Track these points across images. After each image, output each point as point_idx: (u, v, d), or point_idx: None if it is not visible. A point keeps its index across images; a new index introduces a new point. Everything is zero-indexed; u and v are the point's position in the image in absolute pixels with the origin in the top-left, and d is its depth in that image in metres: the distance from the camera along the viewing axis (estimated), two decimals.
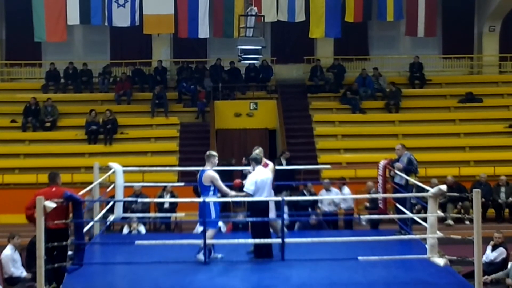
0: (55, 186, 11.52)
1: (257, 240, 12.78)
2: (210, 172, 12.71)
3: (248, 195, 12.76)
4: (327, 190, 20.32)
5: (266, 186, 12.90)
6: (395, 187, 15.01)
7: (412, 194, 14.06)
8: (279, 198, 13.23)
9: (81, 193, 12.25)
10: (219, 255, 12.83)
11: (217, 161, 13.00)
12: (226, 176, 14.24)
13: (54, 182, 11.59)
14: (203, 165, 13.02)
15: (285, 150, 23.58)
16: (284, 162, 22.27)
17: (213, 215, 12.60)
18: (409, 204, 14.74)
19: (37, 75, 29.77)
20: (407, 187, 14.52)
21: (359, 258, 12.15)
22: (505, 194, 22.06)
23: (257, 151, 13.32)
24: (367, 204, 19.73)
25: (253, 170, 13.07)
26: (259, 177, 12.86)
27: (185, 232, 19.71)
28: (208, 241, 12.49)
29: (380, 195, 15.51)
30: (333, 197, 20.12)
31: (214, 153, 13.09)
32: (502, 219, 21.95)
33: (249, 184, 12.79)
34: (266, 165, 13.32)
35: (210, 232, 12.60)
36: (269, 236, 13.01)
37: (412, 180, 14.28)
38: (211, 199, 12.60)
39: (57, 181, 11.64)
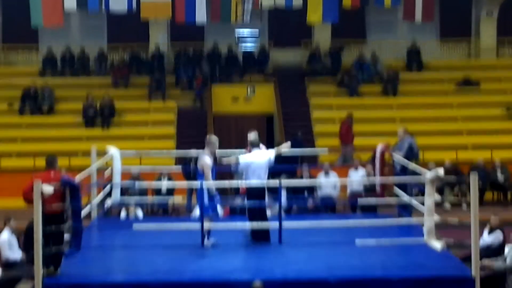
0: (53, 170, 11.52)
1: (255, 224, 12.82)
2: (206, 158, 12.73)
3: (237, 161, 13.06)
4: (326, 173, 20.35)
5: (262, 170, 12.95)
6: (394, 172, 15.05)
7: (409, 177, 14.07)
8: (276, 182, 13.27)
9: (78, 177, 12.24)
10: (213, 240, 12.87)
11: (216, 147, 13.00)
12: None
13: (51, 166, 11.57)
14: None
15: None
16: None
17: (205, 200, 12.64)
18: (409, 189, 14.77)
19: (34, 60, 29.71)
20: (406, 172, 14.54)
21: (357, 242, 12.18)
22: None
23: (253, 135, 13.38)
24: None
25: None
26: (256, 159, 12.93)
27: (182, 216, 19.75)
28: (208, 225, 12.55)
29: (377, 179, 15.55)
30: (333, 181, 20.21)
31: (214, 138, 13.10)
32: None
33: (244, 158, 13.02)
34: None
35: (208, 218, 12.65)
36: (266, 220, 13.05)
37: (413, 164, 14.28)
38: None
39: (55, 165, 11.63)
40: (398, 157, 14.90)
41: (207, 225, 12.60)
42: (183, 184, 17.00)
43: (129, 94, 27.95)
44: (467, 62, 30.02)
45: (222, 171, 15.73)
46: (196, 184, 12.91)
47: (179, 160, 23.37)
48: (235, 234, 13.23)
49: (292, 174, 21.10)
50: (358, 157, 22.03)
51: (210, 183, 12.64)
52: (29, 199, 11.03)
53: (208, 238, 12.75)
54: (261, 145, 13.54)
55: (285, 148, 13.91)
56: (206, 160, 12.70)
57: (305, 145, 23.87)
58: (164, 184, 20.36)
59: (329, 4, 26.29)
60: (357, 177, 20.25)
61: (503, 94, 27.84)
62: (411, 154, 14.82)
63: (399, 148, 15.07)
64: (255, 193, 12.96)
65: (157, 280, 11.13)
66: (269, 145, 23.76)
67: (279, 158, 13.77)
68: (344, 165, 21.85)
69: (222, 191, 14.26)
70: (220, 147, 13.63)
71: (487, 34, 30.08)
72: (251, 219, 12.99)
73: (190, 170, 15.59)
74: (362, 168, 20.30)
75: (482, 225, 13.05)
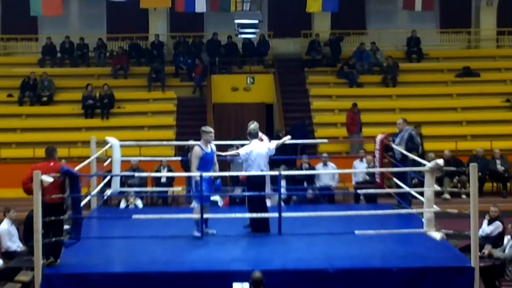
0: (52, 160, 11.51)
1: (254, 214, 12.81)
2: (195, 148, 12.81)
3: (238, 155, 13.09)
4: (325, 164, 20.34)
5: (262, 159, 12.95)
6: (393, 161, 15.03)
7: (409, 168, 14.06)
8: (276, 173, 13.26)
9: (78, 167, 12.24)
10: (210, 231, 12.86)
11: (210, 137, 12.97)
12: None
13: (51, 156, 11.56)
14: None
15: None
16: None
17: (194, 190, 12.72)
18: (409, 179, 14.75)
19: (33, 49, 29.70)
20: (406, 162, 14.52)
21: (356, 232, 12.19)
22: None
23: (252, 126, 13.36)
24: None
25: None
26: (255, 149, 12.94)
27: (182, 206, 19.76)
28: (197, 216, 12.53)
29: (377, 169, 15.54)
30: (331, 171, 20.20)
31: (208, 129, 13.09)
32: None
33: (243, 150, 13.02)
34: (261, 140, 13.43)
35: (196, 208, 12.68)
36: (265, 210, 13.04)
37: (412, 156, 14.27)
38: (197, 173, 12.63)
39: (54, 155, 11.62)
40: (398, 148, 14.87)
41: (197, 215, 12.58)
42: (182, 174, 17.01)
43: (128, 84, 27.92)
44: (467, 52, 29.99)
45: (220, 160, 15.77)
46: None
47: (179, 150, 23.42)
48: (234, 224, 13.23)
49: (292, 164, 21.12)
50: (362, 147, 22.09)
51: (195, 173, 12.61)
52: (28, 189, 11.02)
53: (197, 228, 12.68)
54: (263, 135, 13.52)
55: (286, 140, 13.98)
56: (195, 149, 12.76)
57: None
58: (164, 174, 20.34)
59: None
60: (361, 168, 20.23)
61: (502, 84, 27.83)
62: (412, 145, 14.79)
63: (399, 138, 15.04)
64: (255, 183, 12.96)
65: (156, 270, 11.13)
66: (268, 135, 23.87)
67: (279, 148, 13.77)
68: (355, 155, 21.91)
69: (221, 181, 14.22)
70: (220, 137, 13.63)
71: (487, 24, 30.06)
72: (251, 209, 12.98)
73: (187, 160, 15.60)
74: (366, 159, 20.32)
75: (482, 215, 13.05)
